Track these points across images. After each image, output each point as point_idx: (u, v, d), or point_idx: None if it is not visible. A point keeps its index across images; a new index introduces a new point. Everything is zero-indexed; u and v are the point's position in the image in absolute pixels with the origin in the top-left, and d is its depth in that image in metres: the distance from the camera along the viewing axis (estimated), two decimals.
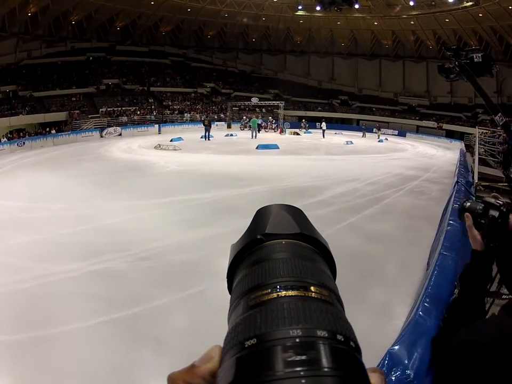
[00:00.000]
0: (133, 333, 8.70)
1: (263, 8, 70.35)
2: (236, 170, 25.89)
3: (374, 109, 71.37)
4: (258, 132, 52.17)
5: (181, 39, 77.21)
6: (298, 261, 0.71)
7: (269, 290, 0.65)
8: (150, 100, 64.59)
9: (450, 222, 8.55)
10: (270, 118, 58.34)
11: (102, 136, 52.10)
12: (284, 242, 0.76)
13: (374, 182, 21.93)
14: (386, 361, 3.95)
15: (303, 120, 61.27)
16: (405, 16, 63.58)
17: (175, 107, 64.73)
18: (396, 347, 4.13)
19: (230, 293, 0.76)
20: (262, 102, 64.39)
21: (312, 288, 0.65)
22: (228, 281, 0.79)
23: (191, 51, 78.62)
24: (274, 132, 55.37)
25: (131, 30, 71.53)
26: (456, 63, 16.41)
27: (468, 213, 2.82)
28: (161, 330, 8.64)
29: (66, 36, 66.67)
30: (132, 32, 71.87)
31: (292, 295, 0.63)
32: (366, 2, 62.10)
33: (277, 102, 61.85)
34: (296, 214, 0.83)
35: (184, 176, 24.75)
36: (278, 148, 36.98)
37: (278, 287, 0.65)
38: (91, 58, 68.26)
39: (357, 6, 57.27)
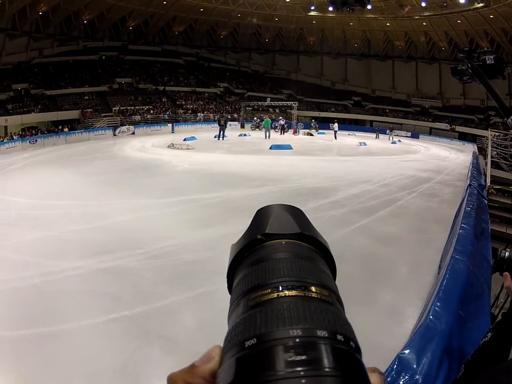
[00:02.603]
0: (141, 331, 8.70)
1: (276, 9, 70.33)
2: (249, 170, 25.83)
3: (387, 110, 71.06)
4: (282, 134, 52.58)
5: (193, 39, 77.30)
6: (298, 261, 0.71)
7: (269, 290, 0.65)
8: (163, 99, 64.64)
9: (463, 225, 8.49)
10: (280, 118, 57.44)
11: (115, 135, 52.24)
12: (284, 242, 0.76)
13: (387, 184, 21.84)
14: (395, 365, 3.97)
15: (313, 120, 60.95)
16: (417, 17, 63.39)
17: (188, 106, 64.75)
18: (406, 351, 4.14)
19: (230, 293, 0.76)
20: (275, 103, 64.39)
21: (312, 288, 0.65)
22: (227, 281, 0.80)
23: (204, 51, 78.75)
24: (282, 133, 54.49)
25: (144, 29, 71.68)
26: (469, 65, 16.34)
27: (507, 273, 2.77)
28: (170, 329, 8.64)
29: (78, 35, 66.95)
30: (145, 31, 72.01)
31: (292, 295, 0.63)
32: (378, 3, 62.04)
33: (290, 102, 61.79)
34: (296, 214, 0.84)
35: (196, 176, 24.69)
36: (291, 149, 36.83)
37: (278, 287, 0.65)
38: (104, 57, 68.49)
39: (369, 7, 57.21)
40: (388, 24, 67.49)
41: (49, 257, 12.51)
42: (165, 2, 65.55)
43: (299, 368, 0.52)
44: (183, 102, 65.74)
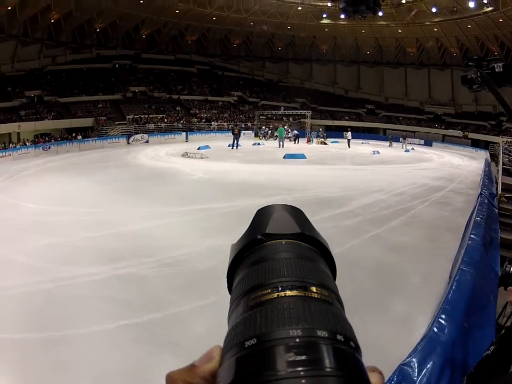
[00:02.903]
0: (152, 338, 8.76)
1: (288, 17, 70.51)
2: (263, 179, 25.88)
3: (400, 118, 70.73)
4: (296, 143, 52.29)
5: (207, 48, 77.73)
6: (299, 261, 0.72)
7: (269, 290, 0.65)
8: (177, 108, 64.91)
9: (472, 236, 8.54)
10: (286, 127, 57.10)
11: (128, 143, 52.71)
12: (284, 243, 0.77)
13: (400, 193, 21.82)
14: (396, 376, 4.04)
15: (320, 129, 60.38)
16: (428, 23, 63.47)
17: (202, 115, 65.01)
18: (407, 362, 4.19)
19: (230, 293, 0.77)
20: (289, 111, 64.62)
21: (312, 288, 0.65)
22: (227, 281, 0.82)
23: (217, 59, 79.14)
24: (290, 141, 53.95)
25: (157, 38, 72.14)
26: (478, 73, 16.43)
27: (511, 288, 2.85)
28: (181, 336, 8.64)
29: (91, 43, 67.65)
30: (158, 40, 72.45)
31: (292, 295, 0.63)
32: (389, 9, 62.09)
33: (304, 111, 61.80)
34: (296, 214, 0.86)
35: (210, 184, 24.70)
36: (305, 158, 36.79)
37: (278, 287, 0.65)
38: (117, 65, 69.04)
39: (380, 14, 57.23)
40: (400, 31, 67.58)
41: (61, 263, 12.63)
42: (177, 11, 65.92)
43: (299, 368, 0.52)
44: (197, 111, 65.93)
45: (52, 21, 59.72)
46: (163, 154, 41.51)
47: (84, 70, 64.69)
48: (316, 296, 0.64)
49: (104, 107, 59.54)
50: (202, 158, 36.94)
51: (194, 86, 72.11)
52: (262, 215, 0.85)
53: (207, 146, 45.42)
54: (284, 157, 36.83)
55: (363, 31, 70.15)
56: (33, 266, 12.45)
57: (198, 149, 42.75)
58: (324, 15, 69.04)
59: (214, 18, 69.53)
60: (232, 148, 45.72)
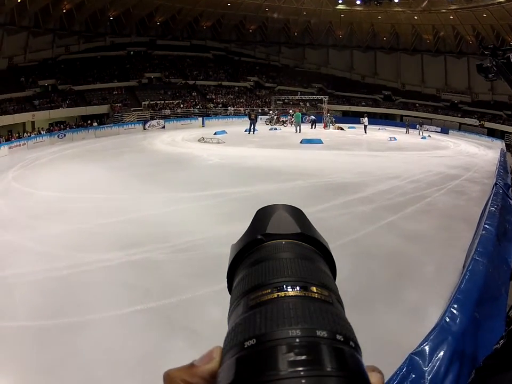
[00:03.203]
0: (167, 323, 8.89)
1: (304, 2, 70.10)
2: (279, 165, 25.88)
3: (417, 104, 70.20)
4: (313, 128, 52.20)
5: (222, 33, 77.58)
6: (299, 261, 0.73)
7: (269, 290, 0.66)
8: (193, 93, 64.97)
9: (486, 226, 8.57)
10: (291, 111, 57.11)
11: (145, 129, 52.87)
12: (284, 243, 0.78)
13: (416, 180, 21.77)
14: (406, 365, 4.11)
15: (328, 114, 58.70)
16: (444, 10, 62.86)
17: (218, 100, 65.03)
18: (418, 351, 4.25)
19: (230, 293, 0.78)
20: (305, 96, 64.44)
21: (312, 288, 0.66)
22: (227, 281, 0.82)
23: (233, 45, 79.01)
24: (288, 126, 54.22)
25: (171, 24, 72.03)
26: (494, 62, 16.29)
27: None
28: (196, 321, 8.80)
29: (105, 31, 67.73)
30: (172, 26, 72.34)
31: (292, 295, 0.64)
32: None
33: (321, 96, 61.50)
34: (296, 214, 0.87)
35: (226, 170, 24.86)
36: (322, 143, 36.71)
37: (278, 287, 0.66)
38: (132, 52, 68.95)
39: (396, 0, 56.95)
40: (416, 17, 66.93)
41: (76, 250, 12.76)
42: None
43: (299, 368, 0.52)
44: (213, 96, 66.00)
45: (64, 11, 59.85)
46: (179, 140, 41.62)
47: (98, 58, 64.78)
48: (316, 296, 0.64)
49: (120, 94, 59.76)
50: (218, 143, 37.08)
51: (210, 71, 72.12)
52: (262, 215, 0.87)
53: (223, 132, 45.50)
54: (300, 142, 36.89)
55: (379, 17, 69.58)
56: (48, 253, 12.64)
57: (215, 134, 42.87)
58: (340, 1, 68.67)
59: (229, 4, 69.39)
60: (249, 133, 45.73)
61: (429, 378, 4.04)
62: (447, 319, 4.81)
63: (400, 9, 65.75)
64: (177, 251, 12.10)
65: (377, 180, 21.49)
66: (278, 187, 19.55)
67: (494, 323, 5.62)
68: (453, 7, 61.04)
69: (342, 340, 0.58)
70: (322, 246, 0.80)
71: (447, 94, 70.22)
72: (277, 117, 55.88)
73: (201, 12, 71.17)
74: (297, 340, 0.56)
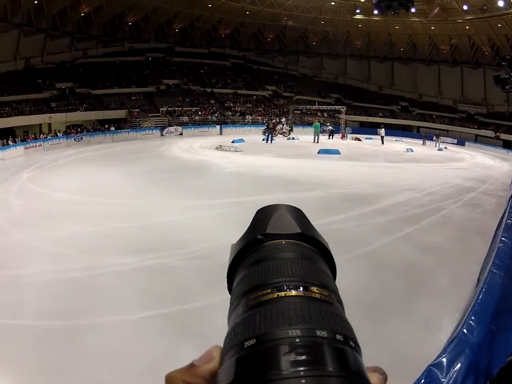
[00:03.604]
0: (178, 329, 8.93)
1: (322, 12, 70.04)
2: (296, 174, 25.87)
3: (433, 116, 69.71)
4: (330, 138, 52.08)
5: (240, 42, 77.75)
6: (299, 261, 0.74)
7: (269, 290, 0.67)
8: (211, 101, 65.02)
9: (503, 239, 8.62)
10: (283, 119, 57.57)
11: (162, 135, 53.15)
12: (284, 243, 0.79)
13: (432, 192, 21.80)
14: (424, 377, 4.13)
15: (328, 123, 58.59)
16: (460, 20, 62.60)
17: (236, 109, 65.07)
18: (436, 363, 4.26)
19: (230, 293, 0.80)
20: (323, 107, 64.28)
21: (312, 288, 0.67)
22: (227, 281, 0.85)
23: (251, 54, 79.14)
24: (284, 136, 53.34)
25: (190, 31, 72.27)
26: (511, 73, 16.36)
27: None
28: (208, 328, 8.65)
29: (123, 36, 68.12)
30: (191, 33, 72.58)
31: (292, 295, 0.65)
32: (422, 6, 61.45)
33: (338, 106, 61.25)
34: (296, 214, 0.89)
35: (243, 178, 24.87)
36: (339, 153, 36.68)
37: (278, 287, 0.67)
38: (150, 58, 69.21)
39: (413, 10, 56.96)
40: (432, 27, 66.74)
41: (91, 252, 12.89)
42: (210, 5, 65.97)
43: (298, 368, 0.52)
44: (231, 104, 66.02)
45: (82, 14, 60.31)
46: (197, 147, 41.72)
47: (116, 62, 65.09)
48: (317, 296, 0.65)
49: (138, 99, 59.93)
50: (236, 151, 37.16)
51: (228, 79, 72.20)
52: (262, 215, 0.88)
53: (241, 140, 45.48)
54: (318, 152, 36.90)
55: (396, 27, 69.42)
56: (61, 255, 12.79)
57: (232, 142, 42.86)
58: (357, 11, 68.49)
59: (247, 13, 69.47)
60: (267, 142, 45.71)
61: None
62: (465, 331, 4.80)
63: (416, 19, 65.50)
64: (192, 258, 12.21)
65: (394, 192, 21.46)
66: (295, 197, 19.50)
67: (509, 335, 5.57)
68: (469, 17, 60.82)
69: (341, 339, 0.57)
70: (322, 246, 0.82)
71: (463, 105, 69.74)
72: (273, 126, 53.09)
73: (219, 20, 71.39)
74: (297, 340, 0.56)
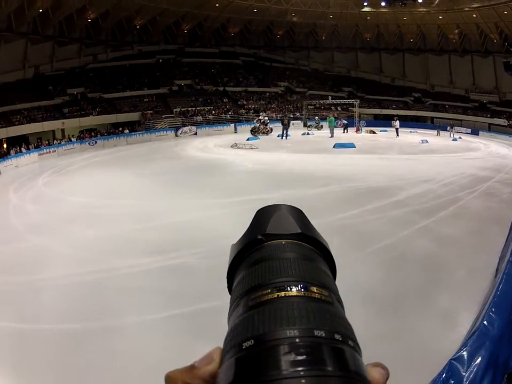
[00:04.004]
0: (198, 328, 8.93)
1: (329, 6, 69.88)
2: (313, 170, 25.97)
3: (446, 106, 69.12)
4: (345, 132, 51.98)
5: (250, 39, 77.96)
6: (299, 261, 0.74)
7: (269, 290, 0.67)
8: (224, 100, 65.32)
9: None
10: (262, 116, 55.98)
11: (177, 135, 53.40)
12: (284, 243, 0.79)
13: (448, 183, 21.78)
14: (445, 371, 4.16)
15: (316, 117, 59.11)
16: (466, 9, 62.33)
17: (250, 106, 65.31)
18: (457, 356, 4.28)
19: (230, 293, 0.79)
20: (336, 101, 64.40)
21: (312, 288, 0.67)
22: (227, 281, 0.83)
23: (262, 51, 79.25)
24: (267, 134, 51.06)
25: (199, 32, 72.74)
26: None
27: None
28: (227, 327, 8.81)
29: (132, 39, 68.62)
30: (200, 34, 73.03)
31: (292, 295, 0.65)
32: None
33: (352, 100, 61.13)
34: (296, 214, 0.88)
35: (260, 175, 24.99)
36: (355, 147, 36.65)
37: (278, 287, 0.67)
38: (161, 60, 69.64)
39: (420, 0, 56.82)
40: (440, 17, 66.50)
41: (108, 254, 13.13)
42: (217, 5, 66.21)
43: (297, 369, 0.52)
44: (245, 102, 66.28)
45: (89, 20, 60.78)
46: (212, 146, 41.84)
47: (126, 66, 65.62)
48: (316, 296, 0.65)
49: (150, 101, 60.37)
50: (252, 148, 37.26)
51: (240, 77, 72.47)
52: (262, 215, 0.88)
53: (256, 137, 45.72)
54: (333, 147, 36.86)
55: (404, 18, 69.26)
56: (80, 258, 13.02)
57: (247, 139, 43.05)
58: (365, 3, 68.46)
59: (255, 10, 69.63)
60: (282, 138, 45.69)
61: (466, 383, 4.08)
62: (485, 323, 4.78)
63: (424, 9, 65.37)
64: (210, 257, 12.14)
65: (411, 184, 21.44)
66: (312, 192, 19.55)
67: None
68: (475, 5, 60.57)
69: (340, 339, 0.58)
70: (322, 246, 0.83)
71: (476, 94, 69.31)
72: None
73: (227, 19, 71.63)
74: (296, 340, 0.56)
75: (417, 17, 68.24)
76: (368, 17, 71.51)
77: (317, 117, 59.09)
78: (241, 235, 0.83)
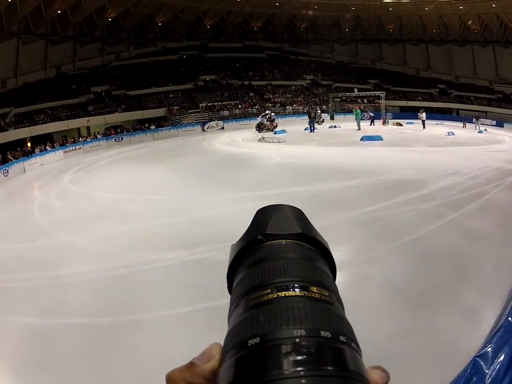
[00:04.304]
0: (224, 323, 9.02)
1: None
2: (340, 162, 26.14)
3: (471, 97, 68.24)
4: (372, 124, 51.60)
5: (274, 33, 78.04)
6: (299, 261, 0.74)
7: (269, 290, 0.67)
8: (250, 94, 65.60)
9: None
10: (268, 111, 52.88)
11: (203, 130, 53.64)
12: (284, 243, 0.79)
13: (475, 176, 21.70)
14: (469, 368, 4.37)
15: (314, 110, 55.37)
16: None
17: (276, 100, 65.47)
18: (482, 353, 4.47)
19: (230, 293, 0.79)
20: (362, 93, 64.20)
21: (312, 288, 0.67)
22: (227, 281, 0.83)
23: (286, 44, 79.36)
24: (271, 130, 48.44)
25: (222, 27, 73.09)
26: None
27: None
28: None
29: (154, 37, 69.26)
30: (223, 29, 73.38)
31: (292, 295, 0.65)
32: None
33: (378, 92, 61.02)
34: (296, 214, 0.88)
35: (288, 169, 25.11)
36: (382, 140, 36.80)
37: (278, 287, 0.67)
38: (184, 56, 70.05)
39: None
40: (461, 7, 65.89)
41: (136, 249, 13.51)
42: (238, 0, 66.37)
43: (301, 368, 0.52)
44: (271, 96, 66.47)
45: (109, 19, 61.34)
46: (239, 140, 42.10)
47: (150, 63, 66.20)
48: (317, 296, 0.66)
49: (176, 97, 60.81)
50: (279, 142, 37.48)
51: (265, 71, 72.64)
52: (262, 215, 0.89)
53: (283, 131, 45.80)
54: (361, 139, 36.96)
55: (426, 8, 68.76)
56: (109, 253, 13.46)
57: (275, 133, 43.28)
58: None
59: (277, 4, 69.73)
60: (309, 132, 45.78)
61: (488, 381, 4.24)
62: (510, 319, 4.99)
63: None
64: None
65: (438, 177, 21.60)
66: (340, 185, 19.79)
67: None
68: None
69: (344, 341, 0.58)
70: (322, 246, 0.83)
71: (499, 86, 68.46)
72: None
73: (250, 13, 71.85)
74: (302, 340, 0.56)
75: (438, 7, 67.70)
76: (390, 8, 71.10)
77: (318, 110, 57.41)
78: (242, 235, 0.88)
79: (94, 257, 13.33)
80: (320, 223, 11.95)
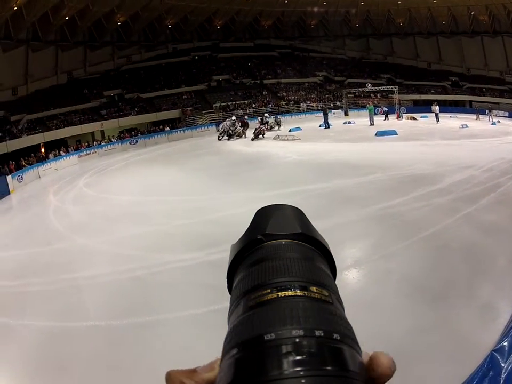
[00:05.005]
0: None
1: None
2: (356, 158, 26.16)
3: (483, 89, 67.87)
4: (386, 119, 51.53)
5: (284, 31, 78.11)
6: (299, 261, 0.74)
7: (269, 290, 0.67)
8: (263, 92, 65.78)
9: None
10: (266, 115, 51.24)
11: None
12: (284, 243, 0.79)
13: (489, 169, 21.50)
14: (486, 363, 4.44)
15: (265, 115, 52.06)
16: None
17: (290, 98, 65.55)
18: (499, 347, 4.57)
19: (229, 293, 0.79)
20: (375, 88, 64.16)
21: (312, 288, 0.67)
22: (227, 281, 0.83)
23: (297, 42, 79.28)
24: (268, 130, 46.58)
25: (232, 26, 73.19)
26: None
27: None
28: None
29: (165, 39, 69.49)
30: (233, 29, 73.43)
31: (292, 295, 0.65)
32: None
33: (391, 86, 60.99)
34: (296, 214, 0.89)
35: (304, 166, 25.21)
36: (396, 134, 36.78)
37: (278, 287, 0.67)
38: (196, 57, 70.19)
39: None
40: None
41: (153, 251, 13.65)
42: None
43: (299, 368, 0.52)
44: (284, 94, 66.59)
45: (119, 23, 61.73)
46: (254, 139, 41.90)
47: (162, 65, 66.66)
48: (316, 296, 0.66)
49: (189, 98, 61.18)
50: (294, 139, 37.58)
51: (277, 69, 72.73)
52: (262, 215, 0.90)
53: (298, 128, 45.77)
54: (375, 135, 37.05)
55: (434, 0, 68.71)
56: (124, 255, 13.64)
57: (289, 131, 43.18)
58: None
59: (286, 2, 69.86)
60: (324, 128, 46.12)
61: (504, 376, 4.30)
62: None
63: None
64: None
65: (453, 170, 21.54)
66: (356, 181, 19.83)
67: None
68: None
69: (338, 338, 0.58)
70: (322, 246, 0.83)
71: (510, 76, 68.10)
72: (240, 126, 47.28)
73: (259, 12, 72.03)
74: (299, 340, 0.56)
75: None
76: (399, 2, 70.93)
77: (266, 114, 53.31)
78: (242, 234, 0.89)
79: (110, 259, 13.57)
80: (339, 220, 12.00)
